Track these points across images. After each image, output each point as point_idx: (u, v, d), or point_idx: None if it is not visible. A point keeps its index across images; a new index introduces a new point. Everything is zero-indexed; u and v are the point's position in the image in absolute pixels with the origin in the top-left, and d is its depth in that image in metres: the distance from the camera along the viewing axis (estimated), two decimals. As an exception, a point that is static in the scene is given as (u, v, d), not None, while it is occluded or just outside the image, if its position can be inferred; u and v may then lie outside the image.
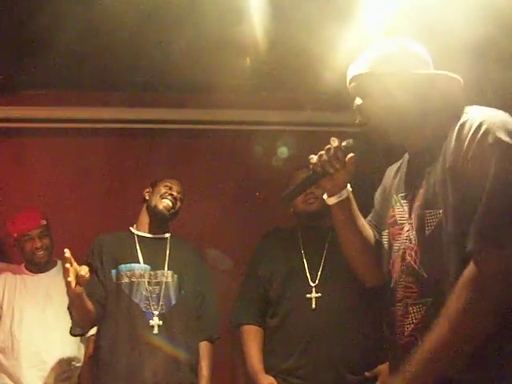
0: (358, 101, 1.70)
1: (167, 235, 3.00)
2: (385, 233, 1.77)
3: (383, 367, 2.67)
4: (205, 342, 2.93)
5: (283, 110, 3.71)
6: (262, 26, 2.64)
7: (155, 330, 2.73)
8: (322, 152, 1.73)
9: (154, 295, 2.79)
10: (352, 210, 1.82)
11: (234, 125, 3.80)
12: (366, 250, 1.82)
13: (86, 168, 3.74)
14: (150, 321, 2.74)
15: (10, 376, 3.06)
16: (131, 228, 2.99)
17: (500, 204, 1.41)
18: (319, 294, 2.74)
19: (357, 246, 1.83)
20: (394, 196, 1.74)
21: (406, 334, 1.58)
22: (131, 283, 2.79)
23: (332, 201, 1.81)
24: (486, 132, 1.46)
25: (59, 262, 3.24)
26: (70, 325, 2.74)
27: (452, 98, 1.60)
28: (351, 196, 1.82)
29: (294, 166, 2.96)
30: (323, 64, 2.62)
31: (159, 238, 2.97)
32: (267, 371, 2.78)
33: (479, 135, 1.46)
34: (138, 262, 2.85)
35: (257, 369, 2.80)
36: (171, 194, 2.92)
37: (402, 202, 1.69)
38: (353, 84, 1.71)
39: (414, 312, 1.56)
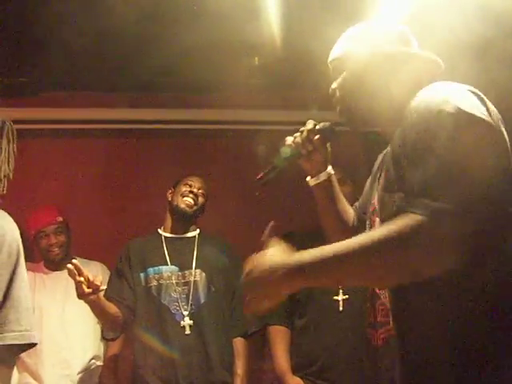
0: (334, 83, 1.66)
1: (195, 233, 3.00)
2: (368, 221, 1.71)
3: None
4: (239, 339, 2.92)
5: (289, 109, 3.71)
6: (266, 26, 2.66)
7: (187, 331, 2.75)
8: (297, 134, 1.79)
9: (183, 296, 2.81)
10: (332, 192, 1.84)
11: (238, 124, 3.82)
12: (341, 234, 1.73)
13: (104, 168, 3.76)
14: (181, 321, 2.76)
15: (33, 374, 3.09)
16: (159, 230, 3.01)
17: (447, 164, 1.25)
18: (346, 296, 2.76)
19: (333, 227, 1.85)
20: (376, 183, 1.67)
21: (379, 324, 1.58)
22: (160, 286, 2.81)
23: (311, 182, 1.85)
24: (433, 102, 1.35)
25: (78, 259, 3.25)
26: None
27: (425, 78, 1.49)
28: (333, 179, 1.84)
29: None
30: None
31: (186, 238, 2.98)
32: (295, 372, 2.81)
33: (425, 106, 1.36)
34: (166, 264, 2.87)
35: (284, 369, 2.83)
36: (191, 192, 2.93)
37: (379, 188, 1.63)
38: (329, 67, 1.70)
39: (382, 304, 1.57)
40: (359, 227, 1.77)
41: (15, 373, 3.06)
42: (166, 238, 2.96)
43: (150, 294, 2.81)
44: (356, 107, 1.59)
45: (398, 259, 1.24)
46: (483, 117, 1.33)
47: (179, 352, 2.71)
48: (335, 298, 2.76)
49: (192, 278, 2.84)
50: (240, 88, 3.22)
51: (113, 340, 2.92)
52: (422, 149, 1.30)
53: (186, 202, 2.92)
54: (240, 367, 2.86)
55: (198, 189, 2.97)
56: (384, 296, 1.57)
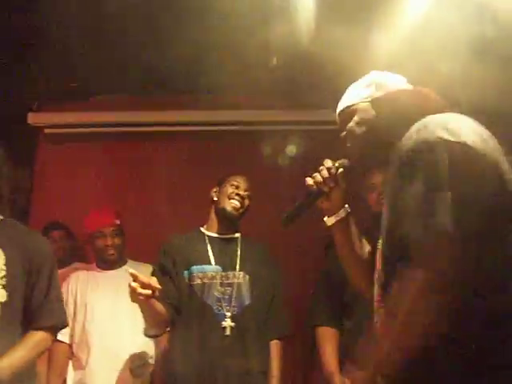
0: (344, 131, 1.78)
1: (237, 235, 2.97)
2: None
3: None
4: (275, 341, 2.89)
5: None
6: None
7: (227, 332, 2.72)
8: (316, 174, 1.86)
9: (226, 296, 2.77)
10: (349, 230, 1.90)
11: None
12: (359, 266, 1.90)
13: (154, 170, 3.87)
14: (223, 322, 2.73)
15: (84, 369, 3.14)
16: (201, 228, 2.97)
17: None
18: None
19: (351, 262, 1.92)
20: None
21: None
22: (203, 284, 2.78)
23: (330, 221, 1.90)
24: (421, 131, 1.47)
25: (129, 261, 3.35)
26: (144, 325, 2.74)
27: (415, 110, 1.62)
28: (349, 217, 1.90)
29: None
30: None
31: (230, 239, 2.94)
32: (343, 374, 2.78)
33: (414, 134, 1.49)
34: (210, 264, 2.83)
35: (332, 370, 2.82)
36: (238, 194, 2.88)
37: None
38: (338, 120, 1.81)
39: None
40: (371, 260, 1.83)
41: (70, 371, 3.23)
42: (209, 237, 2.93)
43: (192, 292, 2.77)
44: (362, 154, 1.74)
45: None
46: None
47: (217, 353, 2.68)
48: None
49: (236, 280, 2.81)
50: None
51: (156, 337, 2.90)
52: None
53: (232, 204, 2.88)
54: (275, 369, 2.84)
55: (245, 190, 2.92)
56: None
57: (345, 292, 2.83)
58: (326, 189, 1.85)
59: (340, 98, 1.79)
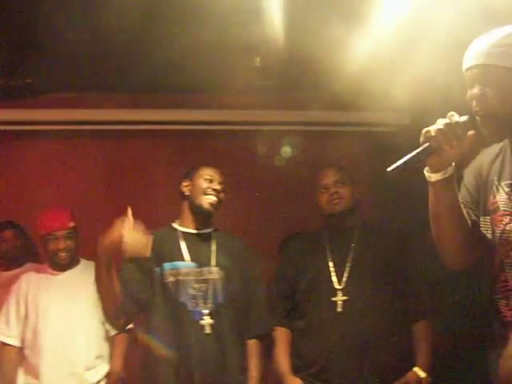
0: (477, 88, 1.65)
1: (210, 229, 2.86)
2: (484, 218, 1.73)
3: (412, 375, 2.67)
4: (254, 341, 2.80)
5: (290, 110, 3.75)
6: (268, 27, 2.63)
7: (207, 330, 2.63)
8: (441, 126, 1.65)
9: (201, 293, 2.68)
10: (453, 189, 1.73)
11: (238, 125, 3.83)
12: (462, 232, 1.74)
13: (108, 170, 3.80)
14: (201, 321, 2.64)
15: (36, 374, 3.06)
16: (174, 224, 2.85)
17: None
18: (345, 297, 2.72)
19: (450, 226, 1.75)
20: (496, 182, 1.71)
21: None
22: (177, 282, 2.68)
23: (436, 177, 1.70)
24: None
25: (82, 261, 3.28)
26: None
27: None
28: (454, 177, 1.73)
29: (305, 165, 2.99)
30: (330, 64, 2.65)
31: (204, 234, 2.83)
32: (295, 373, 2.78)
33: None
34: (183, 260, 2.72)
35: (284, 370, 2.81)
36: (214, 189, 2.77)
37: (507, 190, 1.67)
38: (474, 71, 1.67)
39: None
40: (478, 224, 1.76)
41: (20, 374, 3.13)
42: (182, 233, 2.80)
43: (165, 290, 2.67)
44: (502, 117, 1.63)
45: None
46: None
47: (197, 353, 2.60)
48: (333, 299, 2.73)
49: (211, 276, 2.72)
50: (242, 89, 3.21)
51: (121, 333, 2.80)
52: None
53: (209, 200, 2.76)
54: (254, 369, 2.75)
55: (219, 183, 2.80)
56: None
57: (297, 292, 2.84)
58: (447, 147, 1.64)
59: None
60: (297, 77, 3.10)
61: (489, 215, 1.71)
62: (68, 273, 3.24)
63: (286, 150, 3.55)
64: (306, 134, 3.74)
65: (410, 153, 1.67)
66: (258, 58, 3.05)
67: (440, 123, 1.65)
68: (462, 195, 1.80)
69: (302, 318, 2.84)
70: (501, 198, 1.68)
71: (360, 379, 2.66)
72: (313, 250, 2.89)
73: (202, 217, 2.81)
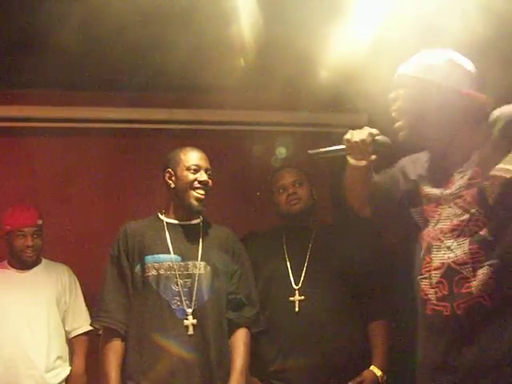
0: (394, 94, 1.88)
1: (198, 220, 2.64)
2: (415, 209, 1.91)
3: (368, 374, 2.69)
4: (240, 330, 2.58)
5: (281, 110, 3.74)
6: (259, 27, 2.61)
7: (190, 331, 2.42)
8: (359, 140, 1.94)
9: (185, 290, 2.46)
10: (368, 171, 2.02)
11: (232, 125, 3.80)
12: (365, 192, 2.06)
13: (85, 167, 3.72)
14: (185, 320, 2.42)
15: None
16: (159, 214, 2.63)
17: None
18: (302, 297, 2.72)
19: (361, 190, 2.07)
20: (421, 184, 1.91)
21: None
22: (159, 276, 2.46)
23: (353, 163, 2.01)
24: None
25: (44, 261, 3.24)
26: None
27: (478, 114, 1.78)
28: (371, 166, 2.01)
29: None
30: (321, 64, 2.68)
31: (190, 225, 2.61)
32: (253, 373, 2.71)
33: None
34: (168, 253, 2.51)
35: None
36: (201, 181, 2.55)
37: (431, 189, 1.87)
38: (398, 79, 1.89)
39: (480, 274, 1.70)
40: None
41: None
42: (168, 224, 2.59)
43: (147, 285, 2.46)
44: (415, 127, 1.85)
45: None
46: None
47: (180, 354, 2.40)
48: (291, 299, 2.72)
49: (196, 271, 2.50)
50: (239, 89, 3.17)
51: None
52: None
53: (197, 196, 2.55)
54: (238, 360, 2.53)
55: (206, 170, 2.58)
56: (466, 271, 1.74)
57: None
58: (358, 156, 1.97)
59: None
60: (293, 77, 3.09)
61: (421, 206, 1.89)
62: (30, 272, 3.18)
63: (281, 151, 3.51)
64: (266, 134, 3.73)
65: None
66: (246, 59, 2.99)
67: (354, 135, 1.95)
68: (389, 173, 2.06)
69: None
70: (428, 191, 1.87)
71: (318, 379, 2.65)
72: (270, 250, 2.86)
73: (189, 210, 2.60)
